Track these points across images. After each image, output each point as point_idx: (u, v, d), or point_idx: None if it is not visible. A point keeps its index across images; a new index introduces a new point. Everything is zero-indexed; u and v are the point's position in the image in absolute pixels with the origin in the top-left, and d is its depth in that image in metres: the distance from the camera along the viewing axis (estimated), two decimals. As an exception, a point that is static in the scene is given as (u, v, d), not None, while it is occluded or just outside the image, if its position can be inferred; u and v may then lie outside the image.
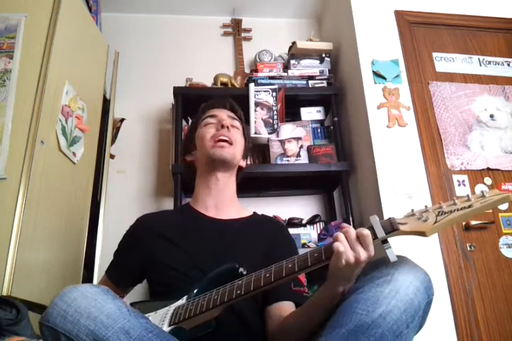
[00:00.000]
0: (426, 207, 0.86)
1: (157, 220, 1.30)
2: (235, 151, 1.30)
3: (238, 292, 0.91)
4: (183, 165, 1.44)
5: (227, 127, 1.30)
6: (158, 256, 1.18)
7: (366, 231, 0.85)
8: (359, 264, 0.85)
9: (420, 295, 0.84)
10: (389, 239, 0.85)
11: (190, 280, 1.08)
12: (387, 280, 0.85)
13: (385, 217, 2.06)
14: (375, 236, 0.85)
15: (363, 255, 0.84)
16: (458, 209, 0.81)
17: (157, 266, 1.18)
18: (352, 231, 0.86)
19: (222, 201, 1.30)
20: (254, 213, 1.36)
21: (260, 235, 1.24)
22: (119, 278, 1.28)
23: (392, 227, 0.84)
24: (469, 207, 0.80)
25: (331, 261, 0.86)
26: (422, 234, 0.81)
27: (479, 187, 2.05)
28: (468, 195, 0.82)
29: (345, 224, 0.90)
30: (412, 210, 0.87)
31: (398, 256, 0.85)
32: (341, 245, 0.84)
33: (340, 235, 0.86)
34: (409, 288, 0.83)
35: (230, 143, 1.29)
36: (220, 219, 1.26)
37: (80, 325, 0.80)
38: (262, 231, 1.26)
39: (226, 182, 1.31)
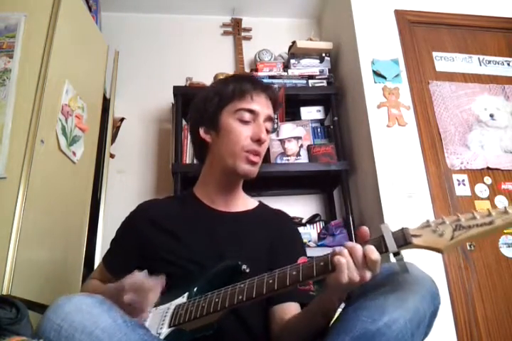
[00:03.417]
0: (442, 218, 0.79)
1: (158, 209, 1.24)
2: (260, 163, 1.20)
3: (240, 297, 0.88)
4: (195, 139, 1.27)
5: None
6: (156, 247, 1.14)
7: (375, 256, 0.79)
8: (362, 283, 0.81)
9: (426, 305, 0.83)
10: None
11: (190, 274, 1.04)
12: (393, 289, 0.83)
13: (386, 217, 2.07)
14: (385, 249, 0.80)
15: (368, 275, 0.80)
16: (477, 225, 0.75)
17: (155, 257, 1.14)
18: (359, 250, 0.80)
19: (231, 196, 1.24)
20: (260, 203, 1.30)
21: (265, 229, 1.19)
22: (115, 267, 1.22)
23: (404, 240, 0.79)
24: (490, 223, 0.74)
25: (332, 276, 0.82)
26: (437, 250, 0.76)
27: (479, 187, 2.06)
28: (489, 210, 0.76)
29: (363, 228, 0.85)
30: (428, 221, 0.81)
31: (406, 263, 0.81)
32: (343, 262, 0.80)
33: (344, 251, 0.81)
34: (416, 296, 0.82)
35: (260, 157, 1.19)
36: (226, 211, 1.21)
37: (75, 340, 0.78)
38: (268, 225, 1.21)
39: (239, 183, 1.26)
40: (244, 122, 1.17)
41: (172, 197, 1.48)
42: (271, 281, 0.87)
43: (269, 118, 1.21)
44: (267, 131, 1.20)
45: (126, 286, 0.95)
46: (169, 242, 1.14)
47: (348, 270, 0.79)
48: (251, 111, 1.18)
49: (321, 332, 0.92)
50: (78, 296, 0.84)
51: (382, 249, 0.80)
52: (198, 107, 1.25)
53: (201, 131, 1.22)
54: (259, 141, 1.16)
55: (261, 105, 1.19)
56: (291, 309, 1.08)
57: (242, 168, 1.15)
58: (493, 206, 2.03)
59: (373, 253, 0.79)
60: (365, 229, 0.84)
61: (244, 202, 1.27)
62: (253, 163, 1.16)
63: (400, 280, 0.84)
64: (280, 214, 1.31)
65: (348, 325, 0.83)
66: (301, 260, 1.13)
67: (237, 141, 1.16)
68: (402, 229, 0.81)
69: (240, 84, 1.20)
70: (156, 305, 1.01)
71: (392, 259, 0.81)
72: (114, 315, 0.82)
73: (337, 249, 0.83)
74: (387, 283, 0.85)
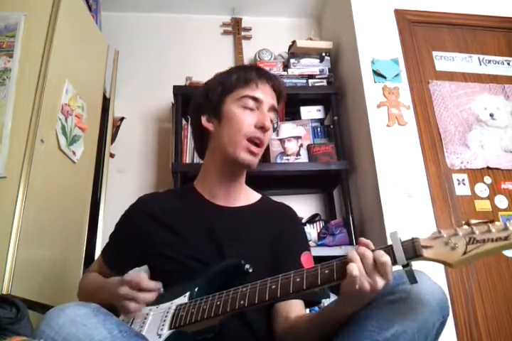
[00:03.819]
0: (456, 230, 0.75)
1: (158, 202, 1.22)
2: (261, 155, 1.17)
3: (241, 302, 0.86)
4: (196, 128, 1.23)
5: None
6: (155, 242, 1.11)
7: (385, 259, 0.76)
8: (374, 292, 0.77)
9: (435, 316, 0.81)
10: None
11: (190, 272, 1.02)
12: (402, 298, 0.81)
13: (386, 217, 2.06)
14: (393, 260, 0.76)
15: (380, 283, 0.76)
16: (493, 240, 0.71)
17: (154, 253, 1.11)
18: (369, 256, 0.77)
19: (233, 189, 1.20)
20: (262, 197, 1.26)
21: (267, 224, 1.16)
22: (113, 262, 1.20)
23: (414, 252, 0.75)
24: (506, 238, 0.70)
25: (344, 284, 0.79)
26: (448, 265, 0.73)
27: (479, 187, 2.06)
28: (505, 224, 0.72)
29: (363, 240, 0.81)
30: (440, 231, 0.77)
31: (415, 272, 0.77)
32: (356, 270, 0.76)
33: (356, 257, 0.78)
34: (425, 308, 0.80)
35: (262, 146, 1.15)
36: (226, 206, 1.18)
37: None
38: (270, 220, 1.18)
39: (241, 176, 1.22)
40: (248, 109, 1.14)
41: (172, 191, 1.45)
42: (274, 287, 0.85)
43: (273, 109, 1.18)
44: (271, 121, 1.17)
45: (126, 279, 0.94)
46: (168, 237, 1.11)
47: (359, 280, 0.76)
48: (255, 99, 1.15)
49: (327, 339, 0.90)
50: (71, 307, 0.82)
51: (391, 260, 0.77)
52: (201, 96, 1.22)
53: (203, 120, 1.18)
54: (263, 128, 1.12)
55: (265, 94, 1.17)
56: (294, 307, 1.05)
57: (242, 156, 1.12)
58: (493, 205, 2.03)
59: (383, 256, 0.76)
60: (365, 241, 0.82)
61: (247, 196, 1.23)
62: (253, 154, 1.13)
63: (409, 291, 0.81)
64: (283, 208, 1.27)
65: (354, 335, 0.81)
66: (304, 256, 1.12)
67: (240, 128, 1.12)
68: (413, 239, 0.77)
69: (244, 73, 1.18)
70: (157, 302, 0.99)
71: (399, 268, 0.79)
72: (109, 326, 0.80)
73: (350, 254, 0.79)
74: (395, 293, 0.82)
